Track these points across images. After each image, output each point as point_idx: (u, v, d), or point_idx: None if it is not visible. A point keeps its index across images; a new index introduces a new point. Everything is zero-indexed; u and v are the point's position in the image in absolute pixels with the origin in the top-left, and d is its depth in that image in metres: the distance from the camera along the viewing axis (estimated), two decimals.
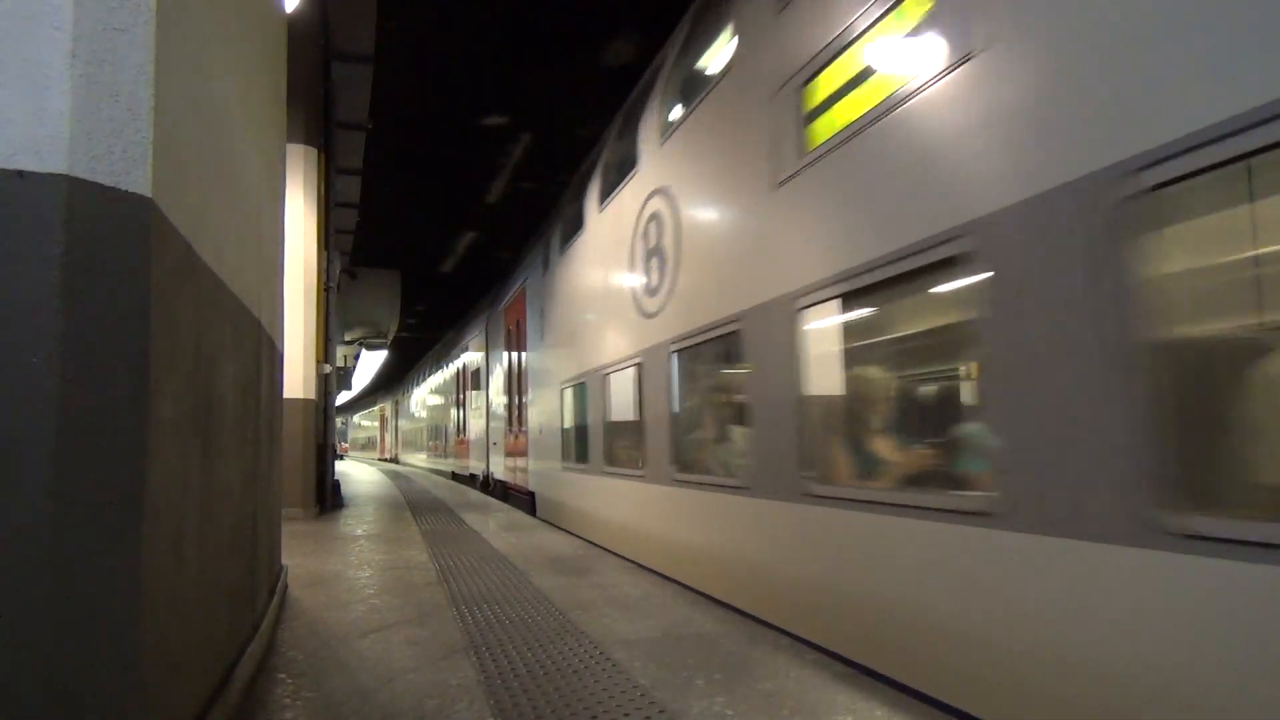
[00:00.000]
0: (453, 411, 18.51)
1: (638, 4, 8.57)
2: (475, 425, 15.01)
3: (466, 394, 16.17)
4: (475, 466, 14.87)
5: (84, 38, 1.30)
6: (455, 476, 17.50)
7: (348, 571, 4.75)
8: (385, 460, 36.71)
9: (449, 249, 18.64)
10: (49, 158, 1.26)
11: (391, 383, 37.76)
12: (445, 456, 20.24)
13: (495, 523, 7.68)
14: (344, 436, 50.43)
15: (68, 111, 1.28)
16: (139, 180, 1.36)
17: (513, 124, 11.90)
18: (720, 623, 3.43)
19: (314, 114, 7.82)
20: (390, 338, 19.06)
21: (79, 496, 1.26)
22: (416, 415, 27.76)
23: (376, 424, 44.35)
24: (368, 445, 48.12)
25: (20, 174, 1.24)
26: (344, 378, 22.69)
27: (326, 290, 8.35)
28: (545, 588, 4.22)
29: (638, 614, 3.60)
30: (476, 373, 14.79)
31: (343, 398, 39.15)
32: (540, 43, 9.65)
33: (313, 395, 7.79)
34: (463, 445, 16.83)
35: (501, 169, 13.58)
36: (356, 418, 55.35)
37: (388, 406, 38.42)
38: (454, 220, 16.52)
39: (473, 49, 9.84)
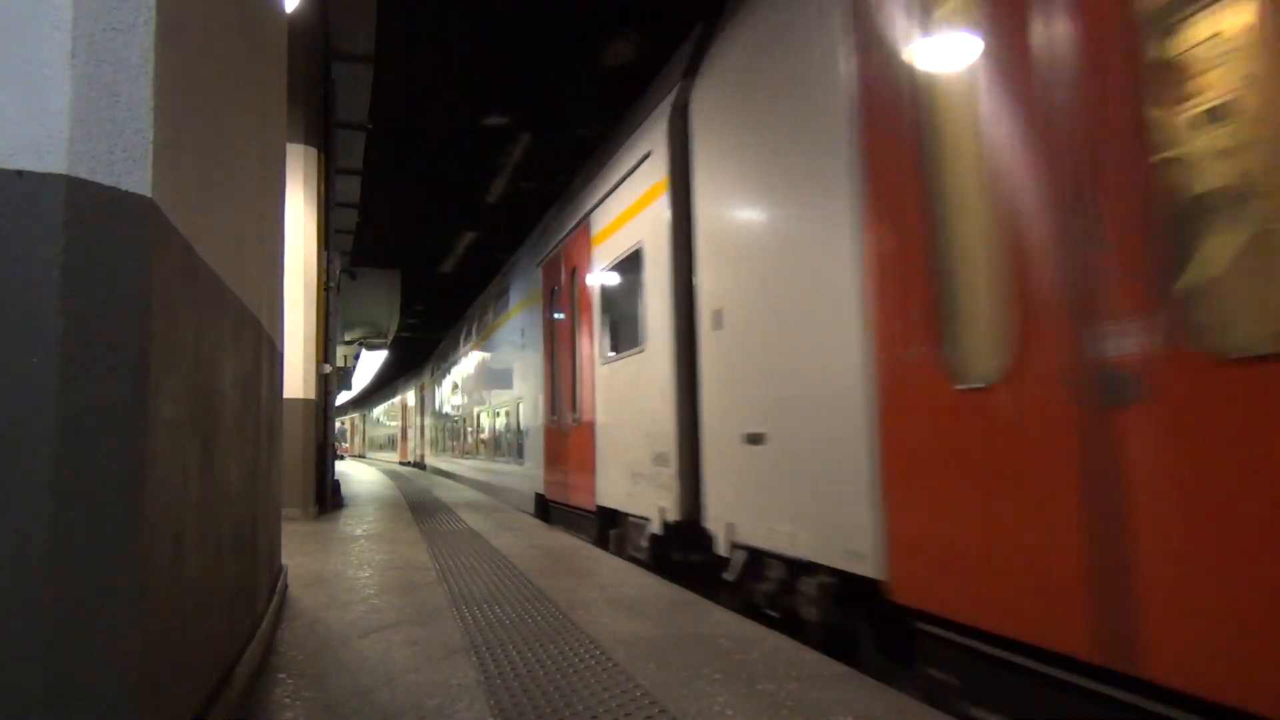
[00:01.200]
0: (530, 379, 9.25)
1: (638, 4, 8.57)
2: (637, 398, 5.63)
3: (581, 326, 7.10)
4: (634, 497, 5.63)
5: (84, 38, 1.30)
6: (547, 506, 8.50)
7: (348, 571, 4.75)
8: (407, 465, 28.18)
9: (449, 249, 18.62)
10: (49, 158, 1.26)
11: (417, 361, 27.05)
12: (500, 459, 11.53)
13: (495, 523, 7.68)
14: (343, 437, 49.64)
15: (68, 111, 1.28)
16: (139, 180, 1.36)
17: (513, 124, 11.89)
18: (720, 623, 3.43)
19: (314, 114, 7.82)
20: (390, 338, 19.01)
21: (79, 496, 1.26)
22: (450, 404, 18.13)
23: (395, 420, 33.88)
24: (387, 445, 38.39)
25: (20, 174, 1.24)
26: (344, 378, 22.58)
27: (326, 290, 8.35)
28: (545, 587, 4.22)
29: (638, 614, 3.60)
30: (636, 258, 5.64)
31: (352, 391, 34.97)
32: (540, 43, 9.64)
33: (313, 395, 7.79)
34: (572, 446, 7.36)
35: (501, 169, 13.56)
36: (375, 412, 43.86)
37: (410, 395, 28.03)
38: (454, 220, 16.49)
39: (473, 49, 9.83)
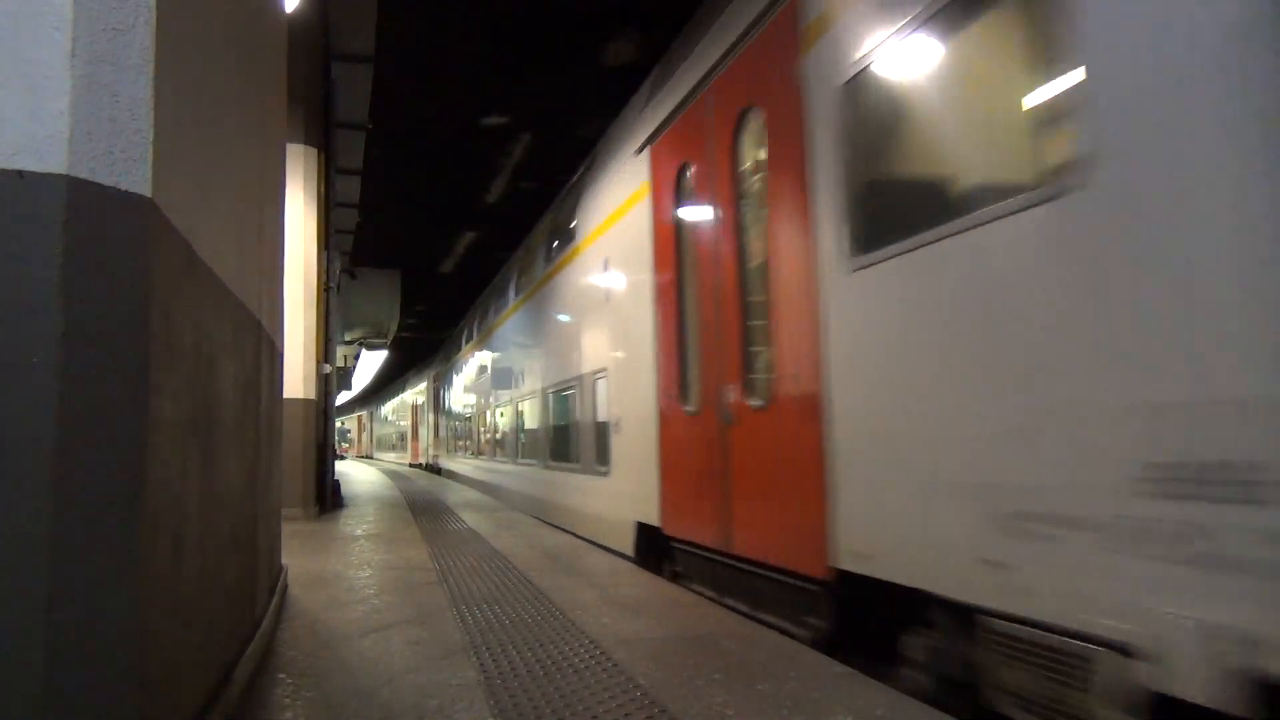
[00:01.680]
0: (622, 339, 6.06)
1: (638, 4, 8.57)
2: None
3: (774, 212, 3.73)
4: (1031, 574, 2.21)
5: (84, 38, 1.30)
6: (666, 547, 5.11)
7: (348, 571, 4.75)
8: (418, 467, 24.53)
9: (449, 249, 18.65)
10: (49, 158, 1.26)
11: (428, 352, 24.58)
12: (560, 465, 8.08)
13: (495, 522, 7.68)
14: (344, 437, 49.14)
15: (68, 111, 1.28)
16: (139, 180, 1.36)
17: (513, 124, 11.90)
18: (720, 623, 3.43)
19: (314, 114, 7.82)
20: (390, 338, 19.04)
21: (79, 496, 1.26)
22: (473, 393, 14.68)
23: (405, 418, 29.70)
24: (398, 445, 32.77)
25: (20, 174, 1.24)
26: (344, 378, 22.59)
27: (326, 290, 8.35)
28: (545, 587, 4.22)
29: (638, 614, 3.60)
30: None
31: (354, 391, 33.99)
32: (540, 43, 9.65)
33: (313, 395, 7.79)
34: (741, 444, 4.03)
35: (501, 169, 13.57)
36: (384, 410, 38.27)
37: (421, 387, 24.52)
38: (454, 220, 16.52)
39: (473, 49, 9.84)
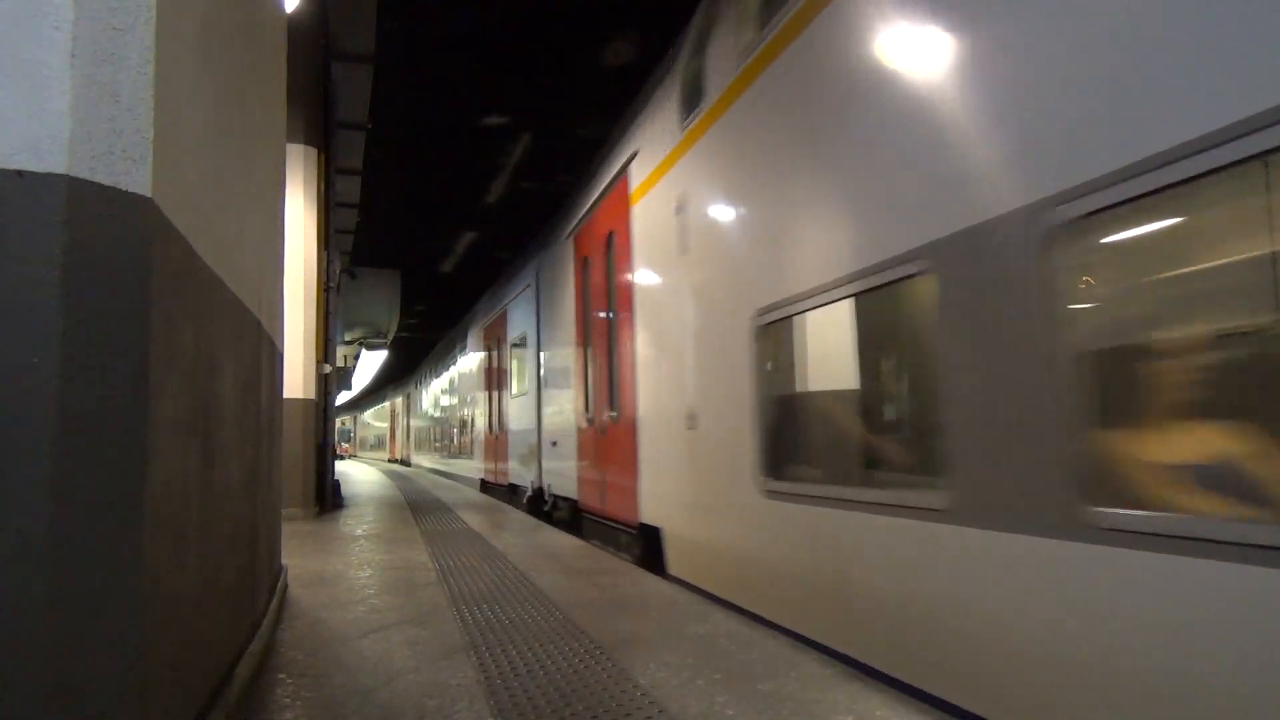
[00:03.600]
0: None
1: (638, 4, 8.57)
2: None
3: None
4: None
5: (84, 38, 1.30)
6: None
7: (348, 571, 4.75)
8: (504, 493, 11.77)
9: (449, 249, 18.63)
10: (49, 158, 1.26)
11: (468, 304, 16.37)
12: None
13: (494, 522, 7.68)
14: (346, 436, 47.76)
15: (68, 111, 1.28)
16: (139, 180, 1.36)
17: (513, 124, 11.90)
18: (720, 623, 3.43)
19: (314, 114, 7.82)
20: (390, 338, 19.00)
21: (79, 496, 1.26)
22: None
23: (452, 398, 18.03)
24: (447, 445, 19.66)
25: (20, 174, 1.24)
26: (344, 378, 22.55)
27: (326, 290, 8.35)
28: (545, 587, 4.22)
29: (638, 614, 3.60)
30: None
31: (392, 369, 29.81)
32: (540, 43, 9.65)
33: (313, 395, 7.79)
34: None
35: (501, 169, 13.57)
36: (428, 391, 22.94)
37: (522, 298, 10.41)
38: (454, 220, 16.51)
39: (473, 49, 9.85)
